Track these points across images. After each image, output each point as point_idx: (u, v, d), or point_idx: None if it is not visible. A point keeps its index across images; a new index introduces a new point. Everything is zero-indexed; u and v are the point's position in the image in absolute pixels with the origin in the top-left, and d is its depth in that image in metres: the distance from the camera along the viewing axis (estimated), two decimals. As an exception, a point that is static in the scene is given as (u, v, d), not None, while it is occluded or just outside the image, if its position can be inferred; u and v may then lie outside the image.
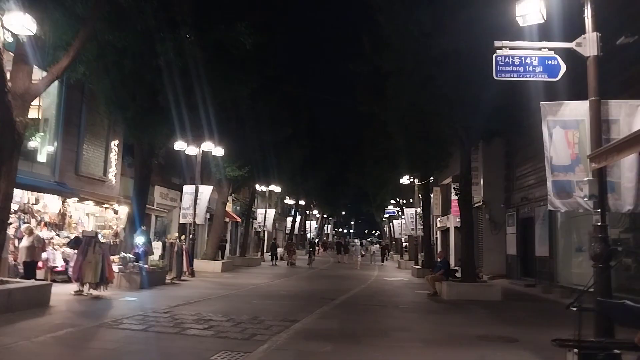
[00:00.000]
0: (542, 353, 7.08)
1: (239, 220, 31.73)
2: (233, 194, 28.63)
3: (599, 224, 6.14)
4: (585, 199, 6.31)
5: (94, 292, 11.74)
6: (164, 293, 13.38)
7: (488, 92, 13.09)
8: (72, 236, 13.55)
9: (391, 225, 49.88)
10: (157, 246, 17.43)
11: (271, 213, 34.33)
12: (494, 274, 21.06)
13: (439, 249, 23.33)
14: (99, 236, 13.29)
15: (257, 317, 9.86)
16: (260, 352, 6.96)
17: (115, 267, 13.25)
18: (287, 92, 25.19)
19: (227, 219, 29.37)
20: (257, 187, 29.62)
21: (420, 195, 27.02)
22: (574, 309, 3.93)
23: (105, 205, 18.08)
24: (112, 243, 16.65)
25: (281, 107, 24.37)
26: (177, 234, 18.98)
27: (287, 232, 46.43)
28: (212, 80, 15.34)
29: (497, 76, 6.84)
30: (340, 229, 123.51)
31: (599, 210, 6.17)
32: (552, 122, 6.77)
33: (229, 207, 28.63)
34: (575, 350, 5.27)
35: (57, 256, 13.57)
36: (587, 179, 6.19)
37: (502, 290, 14.50)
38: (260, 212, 33.67)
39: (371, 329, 9.15)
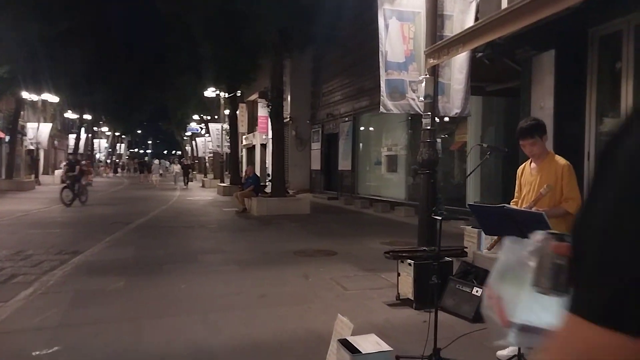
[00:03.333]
0: (362, 264, 6.80)
1: (2, 135, 25.66)
2: (-10, 103, 22.79)
3: (429, 127, 5.77)
4: (419, 100, 5.84)
5: None
6: None
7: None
8: None
9: (194, 144, 47.53)
10: None
11: (46, 128, 28.73)
12: (299, 188, 21.49)
13: (244, 166, 22.62)
14: None
15: (23, 251, 7.65)
16: (20, 299, 5.07)
17: None
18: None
19: (-16, 134, 23.52)
20: (26, 95, 23.95)
21: (227, 110, 25.50)
22: (439, 218, 3.25)
23: None
24: None
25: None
26: None
27: (70, 151, 40.15)
28: None
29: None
30: (136, 149, 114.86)
31: (429, 113, 5.78)
32: (389, 11, 6.02)
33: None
34: (410, 261, 4.91)
35: None
36: (422, 77, 5.66)
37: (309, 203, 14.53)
38: (31, 127, 27.88)
39: (176, 254, 7.79)
